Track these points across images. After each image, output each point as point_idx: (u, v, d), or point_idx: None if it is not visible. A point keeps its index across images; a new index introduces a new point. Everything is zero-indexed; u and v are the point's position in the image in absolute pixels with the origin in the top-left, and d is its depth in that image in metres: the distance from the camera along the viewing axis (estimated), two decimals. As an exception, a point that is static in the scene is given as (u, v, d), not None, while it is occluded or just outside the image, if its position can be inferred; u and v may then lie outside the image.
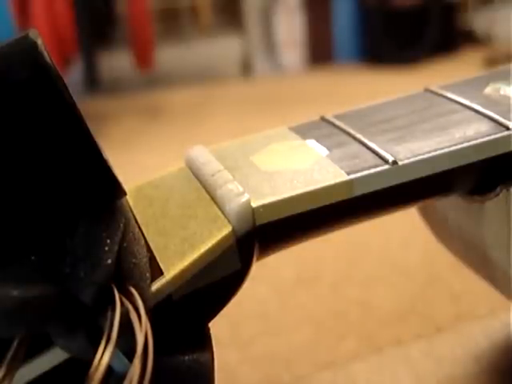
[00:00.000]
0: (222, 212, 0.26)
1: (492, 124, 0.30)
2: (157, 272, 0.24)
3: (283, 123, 0.32)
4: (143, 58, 1.76)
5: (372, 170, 0.27)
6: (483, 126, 0.30)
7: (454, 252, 0.40)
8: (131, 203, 0.27)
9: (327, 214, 0.27)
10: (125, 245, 0.23)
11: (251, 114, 1.34)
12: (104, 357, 0.20)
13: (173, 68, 1.86)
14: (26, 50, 0.22)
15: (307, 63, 1.83)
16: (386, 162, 0.28)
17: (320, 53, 1.83)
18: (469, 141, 0.29)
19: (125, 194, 0.25)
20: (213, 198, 0.27)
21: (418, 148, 0.28)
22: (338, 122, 0.32)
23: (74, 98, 0.23)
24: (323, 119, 0.33)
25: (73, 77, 1.64)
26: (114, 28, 2.27)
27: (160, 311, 0.23)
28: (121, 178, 0.24)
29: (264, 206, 0.25)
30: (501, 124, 0.30)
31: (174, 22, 2.30)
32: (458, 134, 0.29)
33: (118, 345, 0.20)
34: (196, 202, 0.27)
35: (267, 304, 0.60)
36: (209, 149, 0.30)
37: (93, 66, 1.80)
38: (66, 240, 0.23)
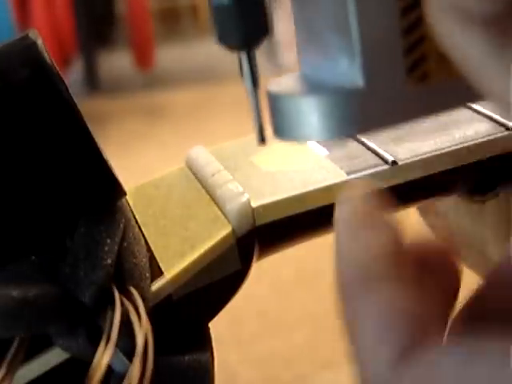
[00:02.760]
0: (222, 212, 0.26)
1: (492, 124, 0.30)
2: (157, 272, 0.24)
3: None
4: (143, 58, 1.76)
5: (372, 170, 0.27)
6: (483, 126, 0.30)
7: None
8: (131, 203, 0.27)
9: (327, 214, 0.27)
10: (125, 245, 0.23)
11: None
12: (104, 357, 0.20)
13: (173, 68, 1.86)
14: (25, 50, 0.22)
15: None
16: (386, 162, 0.28)
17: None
18: (469, 141, 0.29)
19: (125, 194, 0.25)
20: (213, 198, 0.27)
21: (418, 148, 0.28)
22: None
23: (74, 98, 0.23)
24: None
25: (73, 77, 1.64)
26: (114, 28, 2.27)
27: (160, 311, 0.23)
28: (121, 178, 0.24)
29: (264, 206, 0.25)
30: (501, 124, 0.30)
31: (173, 22, 2.30)
32: (457, 133, 0.29)
33: (118, 345, 0.20)
34: (196, 202, 0.27)
35: (267, 303, 0.60)
36: (209, 149, 0.30)
37: (93, 65, 1.80)
38: (66, 240, 0.23)
